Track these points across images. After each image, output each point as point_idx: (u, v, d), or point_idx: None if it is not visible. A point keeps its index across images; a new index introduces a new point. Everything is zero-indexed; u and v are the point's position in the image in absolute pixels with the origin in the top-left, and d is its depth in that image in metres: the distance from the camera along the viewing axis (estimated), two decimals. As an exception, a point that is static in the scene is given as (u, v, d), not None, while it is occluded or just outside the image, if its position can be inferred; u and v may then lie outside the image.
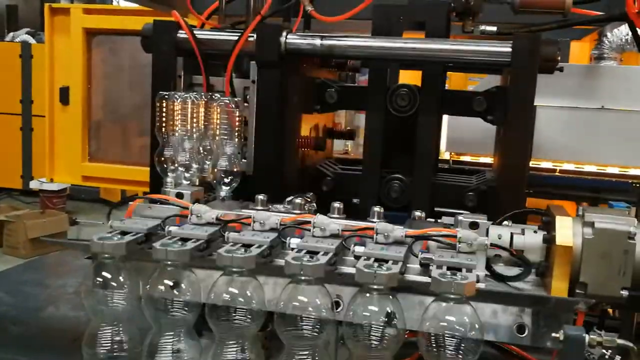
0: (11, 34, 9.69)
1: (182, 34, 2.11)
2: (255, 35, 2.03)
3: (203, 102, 1.93)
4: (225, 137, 1.88)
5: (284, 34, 2.00)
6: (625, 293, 1.36)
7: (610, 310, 1.94)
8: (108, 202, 8.72)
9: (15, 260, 6.13)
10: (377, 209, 1.70)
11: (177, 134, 1.90)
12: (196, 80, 2.22)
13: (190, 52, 2.10)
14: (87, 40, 3.78)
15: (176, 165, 1.91)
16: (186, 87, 2.18)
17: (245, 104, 2.05)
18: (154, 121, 1.97)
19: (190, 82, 2.22)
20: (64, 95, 3.89)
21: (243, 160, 2.04)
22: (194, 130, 1.92)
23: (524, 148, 1.97)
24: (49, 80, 3.95)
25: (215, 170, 1.90)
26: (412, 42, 1.99)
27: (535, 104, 3.22)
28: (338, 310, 1.46)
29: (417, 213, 1.70)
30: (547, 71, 1.92)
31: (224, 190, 1.86)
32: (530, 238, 1.51)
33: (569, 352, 1.19)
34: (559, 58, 1.92)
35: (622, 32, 3.57)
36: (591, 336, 1.22)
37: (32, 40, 9.09)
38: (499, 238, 1.51)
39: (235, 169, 1.89)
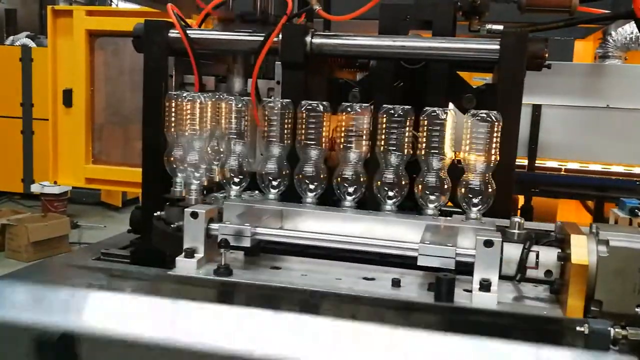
0: (11, 37, 9.69)
1: (173, 34, 2.09)
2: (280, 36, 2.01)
3: (212, 101, 1.93)
4: (235, 137, 1.88)
5: (310, 34, 2.00)
6: None
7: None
8: (109, 205, 8.72)
9: (17, 263, 6.12)
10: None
11: (186, 134, 1.89)
12: (188, 80, 2.21)
13: (181, 52, 2.08)
14: (90, 42, 3.77)
15: (185, 165, 1.90)
16: (177, 86, 2.17)
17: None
18: (146, 122, 1.97)
19: (181, 81, 2.21)
20: (67, 97, 3.88)
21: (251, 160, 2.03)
22: (204, 130, 1.91)
23: (513, 145, 1.95)
24: (52, 83, 3.94)
25: (225, 170, 1.90)
26: (401, 41, 1.98)
27: (540, 103, 3.25)
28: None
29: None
30: (535, 68, 1.92)
31: (234, 190, 1.85)
32: (544, 255, 1.51)
33: (594, 346, 1.18)
34: (547, 55, 1.92)
35: (626, 30, 3.57)
36: (616, 330, 1.21)
37: (32, 44, 9.09)
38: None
39: (245, 169, 1.89)
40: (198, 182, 1.89)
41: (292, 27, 2.01)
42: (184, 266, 1.66)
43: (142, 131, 2.05)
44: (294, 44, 1.98)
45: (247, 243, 1.65)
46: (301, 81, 2.01)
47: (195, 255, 1.67)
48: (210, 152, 1.96)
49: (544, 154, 3.27)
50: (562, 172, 3.33)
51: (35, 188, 7.93)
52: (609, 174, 3.26)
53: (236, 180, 1.88)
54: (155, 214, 1.92)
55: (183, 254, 1.68)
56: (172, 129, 1.92)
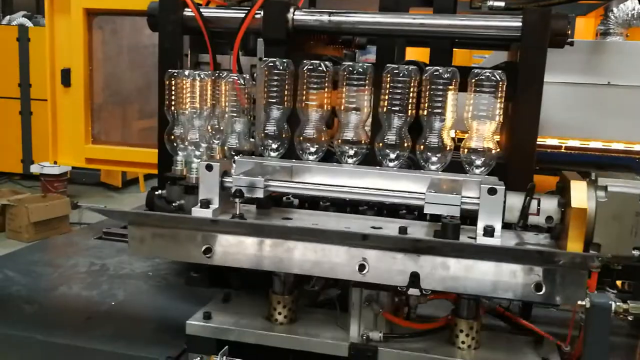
0: (8, 17, 9.61)
1: (188, 12, 2.09)
2: (262, 13, 2.01)
3: (212, 79, 1.92)
4: (235, 115, 1.87)
5: (291, 10, 1.98)
6: (636, 253, 1.43)
7: (619, 283, 1.96)
8: (109, 185, 8.72)
9: (18, 243, 6.14)
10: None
11: (187, 112, 1.89)
12: (202, 59, 2.21)
13: (196, 31, 2.08)
14: (88, 21, 3.74)
15: (186, 143, 1.90)
16: (192, 65, 2.18)
17: (252, 82, 2.04)
18: (162, 100, 1.96)
19: (196, 60, 2.20)
20: (66, 77, 3.86)
21: (251, 139, 2.03)
22: (204, 108, 1.91)
23: (534, 124, 1.96)
24: (50, 62, 3.91)
25: (225, 147, 1.90)
26: (421, 18, 1.96)
27: (540, 81, 3.22)
28: (363, 272, 1.52)
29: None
30: (557, 45, 1.91)
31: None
32: (545, 203, 1.56)
33: (595, 319, 1.20)
34: (570, 32, 1.91)
35: (628, 7, 3.55)
36: (617, 303, 1.23)
37: (29, 24, 9.02)
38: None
39: (245, 147, 1.89)
40: (198, 160, 1.89)
41: (273, 3, 1.99)
42: (200, 216, 1.70)
43: (157, 110, 2.04)
44: (275, 20, 1.97)
45: (260, 194, 1.70)
46: (284, 58, 2.00)
47: (210, 206, 1.71)
48: (210, 130, 1.95)
49: (543, 132, 3.25)
50: (562, 150, 3.33)
51: (34, 169, 7.93)
52: (609, 152, 3.26)
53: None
54: (156, 192, 1.92)
55: (199, 204, 1.72)
56: (172, 107, 1.91)
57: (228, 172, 1.75)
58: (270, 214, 1.82)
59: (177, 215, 1.72)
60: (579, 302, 1.25)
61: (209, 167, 1.71)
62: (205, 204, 1.71)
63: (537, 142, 3.31)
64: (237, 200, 1.68)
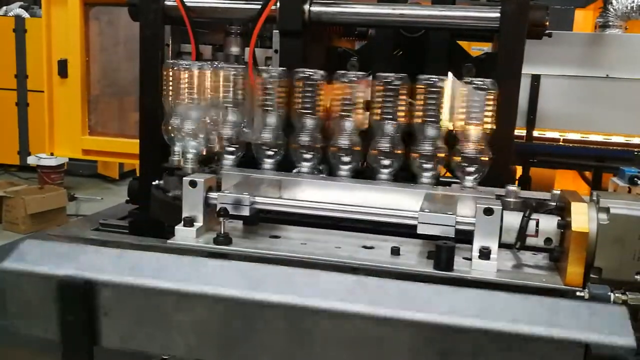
0: (4, 7, 9.54)
1: (169, 2, 2.06)
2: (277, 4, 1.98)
3: (209, 70, 1.91)
4: (231, 106, 1.86)
5: (308, 2, 1.97)
6: (639, 278, 1.37)
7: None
8: (106, 177, 8.70)
9: (15, 235, 6.13)
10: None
11: (184, 103, 1.88)
12: (184, 49, 2.19)
13: (178, 20, 2.06)
14: (85, 12, 3.72)
15: (183, 134, 1.89)
16: (174, 55, 2.15)
17: None
18: (143, 91, 1.95)
19: (178, 50, 2.19)
20: (63, 68, 3.84)
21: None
22: (201, 98, 1.90)
23: (511, 115, 1.94)
24: (47, 53, 3.89)
25: (222, 139, 1.89)
26: (400, 9, 1.96)
27: (539, 73, 3.23)
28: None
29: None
30: (535, 37, 1.90)
31: (230, 160, 1.85)
32: (545, 223, 1.50)
33: (594, 310, 1.19)
34: (548, 23, 1.89)
35: (627, -1, 3.55)
36: (616, 294, 1.22)
37: (25, 14, 8.96)
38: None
39: (239, 138, 1.88)
40: (195, 151, 1.88)
41: None
42: (184, 235, 1.65)
43: (139, 100, 2.03)
44: (292, 11, 1.95)
45: (246, 212, 1.63)
46: (299, 49, 1.99)
47: (194, 224, 1.66)
48: (208, 121, 1.95)
49: (542, 124, 3.26)
50: (561, 143, 3.33)
51: (31, 160, 7.91)
52: (608, 145, 3.26)
53: (231, 149, 1.87)
54: (153, 182, 1.91)
55: (182, 222, 1.67)
56: (170, 98, 1.90)
57: (213, 188, 1.70)
58: (257, 231, 1.77)
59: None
60: (578, 293, 1.24)
61: (193, 184, 1.65)
62: (189, 222, 1.65)
63: (536, 135, 3.33)
64: (221, 219, 1.62)
